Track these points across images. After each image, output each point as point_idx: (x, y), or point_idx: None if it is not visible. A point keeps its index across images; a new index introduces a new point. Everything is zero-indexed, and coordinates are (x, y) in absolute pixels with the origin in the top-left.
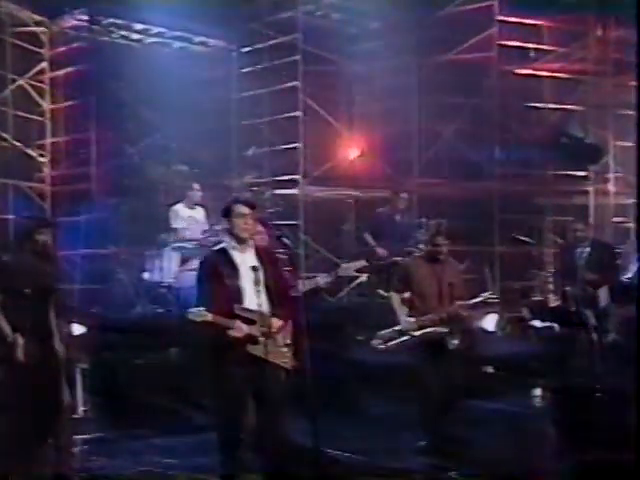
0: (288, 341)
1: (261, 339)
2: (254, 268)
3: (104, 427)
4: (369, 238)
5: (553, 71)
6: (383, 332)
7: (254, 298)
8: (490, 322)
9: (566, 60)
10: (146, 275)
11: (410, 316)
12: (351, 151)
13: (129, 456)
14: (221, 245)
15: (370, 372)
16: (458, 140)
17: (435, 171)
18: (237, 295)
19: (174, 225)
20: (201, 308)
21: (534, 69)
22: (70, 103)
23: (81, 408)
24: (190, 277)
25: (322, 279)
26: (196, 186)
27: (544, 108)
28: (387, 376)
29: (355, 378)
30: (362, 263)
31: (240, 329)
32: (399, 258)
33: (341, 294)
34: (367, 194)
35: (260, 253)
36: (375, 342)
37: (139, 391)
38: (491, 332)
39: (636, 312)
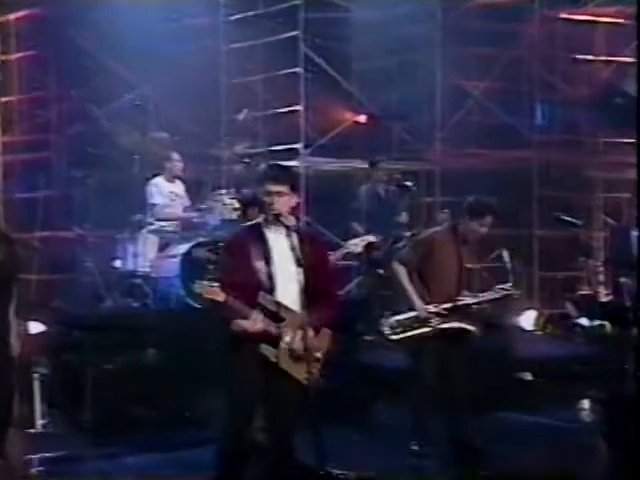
0: (319, 355)
1: (284, 343)
2: (294, 253)
3: (67, 444)
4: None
5: (607, 17)
6: (393, 319)
7: (287, 292)
8: (527, 319)
9: (623, 3)
10: (118, 263)
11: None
12: (362, 115)
13: (97, 478)
14: (255, 220)
15: (383, 376)
16: (490, 100)
17: (462, 138)
18: (265, 282)
19: (154, 201)
20: (209, 282)
21: (583, 14)
22: (24, 54)
23: (39, 421)
24: (171, 265)
25: None
26: (175, 156)
27: (595, 61)
28: (402, 380)
29: (365, 384)
30: (369, 238)
31: (256, 322)
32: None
33: (347, 287)
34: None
35: (304, 240)
36: (385, 329)
37: (109, 401)
38: (529, 331)
39: None
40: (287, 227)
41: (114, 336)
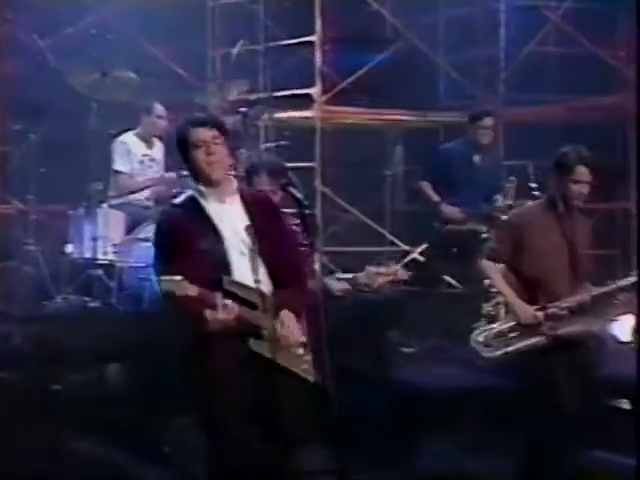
0: (303, 339)
1: (266, 332)
2: (246, 224)
3: None
4: (428, 190)
5: None
6: (483, 330)
7: (247, 272)
8: (624, 328)
9: None
10: (70, 248)
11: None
12: (397, 49)
13: None
14: (187, 194)
15: (428, 401)
16: (571, 28)
17: (532, 82)
18: (220, 265)
19: (118, 167)
20: (177, 277)
21: None
22: None
23: None
24: (142, 251)
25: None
26: (159, 108)
27: None
28: (457, 407)
29: (403, 410)
30: (397, 270)
31: (229, 309)
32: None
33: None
34: (424, 119)
35: (250, 203)
36: (478, 344)
37: (56, 433)
38: (626, 343)
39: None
40: (230, 191)
41: (65, 346)
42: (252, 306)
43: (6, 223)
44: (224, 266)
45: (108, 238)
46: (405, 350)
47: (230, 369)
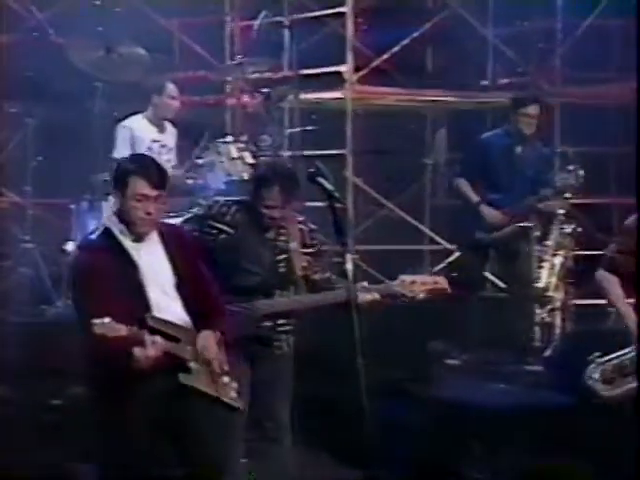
0: (226, 367)
1: (193, 364)
2: (166, 260)
3: None
4: (466, 189)
5: None
6: (599, 364)
7: (167, 309)
8: None
9: None
10: (72, 246)
11: None
12: (439, 21)
13: None
14: (103, 227)
15: (474, 420)
16: None
17: (592, 58)
18: (141, 302)
19: (116, 155)
20: (106, 319)
21: None
22: None
23: None
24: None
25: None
26: (171, 88)
27: None
28: (506, 428)
29: (446, 430)
30: (437, 280)
31: (157, 345)
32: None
33: None
34: (469, 100)
35: (169, 240)
36: (595, 384)
37: (56, 453)
38: None
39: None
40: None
41: (67, 356)
42: (176, 341)
43: (0, 218)
44: (144, 304)
45: None
46: (449, 362)
47: (161, 404)
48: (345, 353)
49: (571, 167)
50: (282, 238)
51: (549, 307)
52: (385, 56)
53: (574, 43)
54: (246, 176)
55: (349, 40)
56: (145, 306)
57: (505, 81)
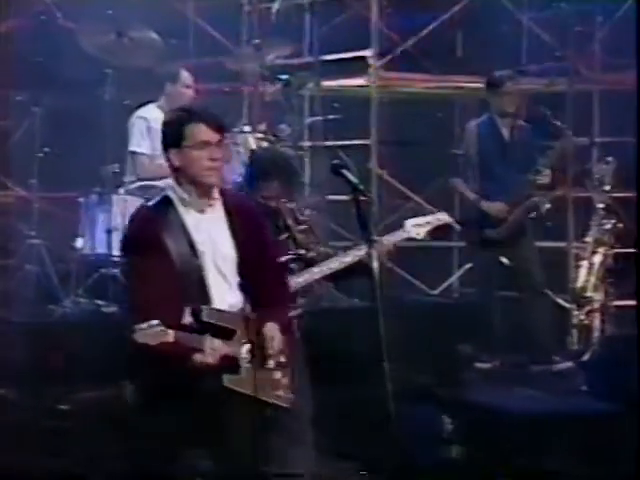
0: (282, 359)
1: (244, 361)
2: (229, 236)
3: None
4: (462, 187)
5: None
6: None
7: (225, 292)
8: None
9: None
10: (81, 242)
11: None
12: (469, 3)
13: None
14: (162, 196)
15: (504, 428)
16: None
17: (634, 42)
18: (197, 288)
19: (135, 148)
20: (154, 322)
21: None
22: None
23: None
24: None
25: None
26: (185, 75)
27: None
28: (539, 437)
29: (475, 438)
30: (441, 218)
31: (215, 351)
32: None
33: (446, 283)
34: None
35: (234, 212)
36: None
37: (65, 460)
38: None
39: None
40: (212, 199)
41: (74, 358)
42: (230, 334)
43: (5, 213)
44: (201, 290)
45: None
46: (479, 366)
47: (200, 410)
48: (369, 356)
49: (609, 158)
50: (280, 218)
51: (587, 308)
52: (412, 40)
53: (614, 26)
54: None
55: (374, 23)
56: (202, 292)
57: (540, 67)
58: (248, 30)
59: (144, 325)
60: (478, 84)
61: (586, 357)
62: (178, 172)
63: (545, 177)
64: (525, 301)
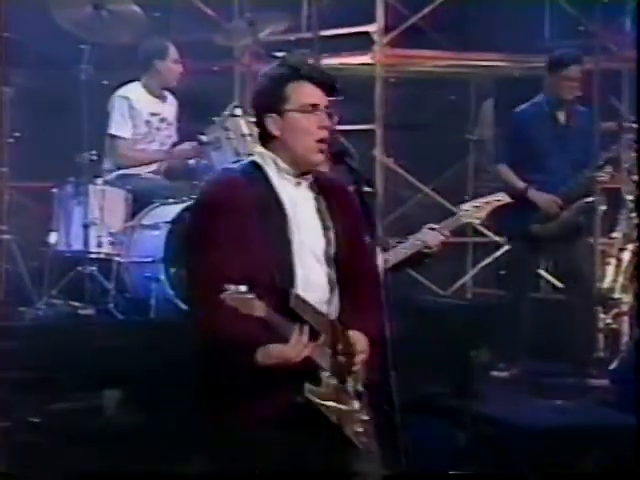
0: (358, 387)
1: (324, 375)
2: (321, 219)
3: None
4: (509, 174)
5: None
6: None
7: (317, 284)
8: None
9: None
10: (55, 237)
11: None
12: None
13: None
14: (250, 160)
15: (523, 441)
16: None
17: None
18: (285, 272)
19: (116, 131)
20: (242, 287)
21: None
22: None
23: None
24: (149, 241)
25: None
26: (172, 51)
27: None
28: (562, 451)
29: (491, 451)
30: (499, 198)
31: (301, 346)
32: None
33: (459, 283)
34: (522, 65)
35: (327, 192)
36: None
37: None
38: None
39: None
40: (309, 172)
41: (48, 366)
42: (314, 333)
43: None
44: (289, 274)
45: (104, 224)
46: (495, 374)
47: (274, 420)
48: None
49: None
50: None
51: (615, 311)
52: (421, 13)
53: None
54: None
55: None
56: (289, 277)
57: (564, 42)
58: (240, 2)
59: (232, 287)
60: (494, 61)
61: (614, 365)
62: (274, 142)
63: (607, 174)
64: (571, 306)
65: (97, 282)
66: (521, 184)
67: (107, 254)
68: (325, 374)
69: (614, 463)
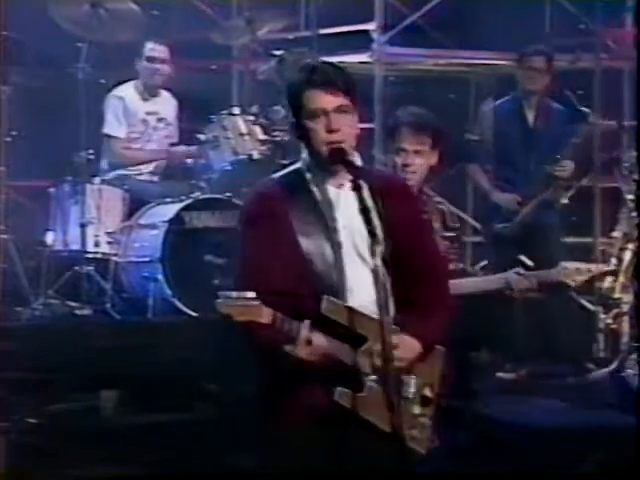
0: (428, 392)
1: (369, 380)
2: (368, 218)
3: None
4: (478, 174)
5: None
6: None
7: (361, 288)
8: None
9: None
10: (52, 237)
11: None
12: None
13: None
14: (293, 168)
15: (530, 444)
16: None
17: None
18: (324, 276)
19: (110, 131)
20: (249, 293)
21: None
22: None
23: None
24: (146, 241)
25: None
26: (150, 46)
27: None
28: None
29: (497, 455)
30: (605, 270)
31: (310, 345)
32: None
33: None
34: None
35: (378, 190)
36: None
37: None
38: None
39: None
40: (353, 172)
41: (45, 366)
42: (358, 341)
43: None
44: (332, 276)
45: (101, 224)
46: (500, 376)
47: (304, 427)
48: None
49: None
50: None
51: (615, 311)
52: (421, 11)
53: None
54: (256, 155)
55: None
56: (337, 282)
57: (565, 41)
58: (238, 0)
59: (233, 294)
60: (495, 60)
61: (614, 365)
62: (304, 141)
63: (564, 169)
64: (547, 305)
65: (94, 282)
66: (486, 185)
67: (104, 254)
68: (369, 378)
69: (614, 463)
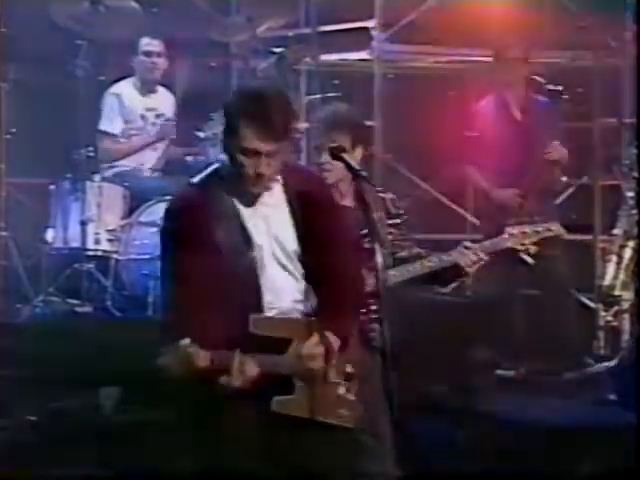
0: (349, 369)
1: (297, 381)
2: (291, 221)
3: None
4: (474, 174)
5: None
6: None
7: (285, 289)
8: None
9: None
10: (52, 234)
11: None
12: None
13: None
14: (211, 169)
15: (530, 443)
16: None
17: None
18: (249, 287)
19: (104, 127)
20: (185, 340)
21: None
22: None
23: None
24: (147, 238)
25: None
26: (147, 42)
27: None
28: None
29: (496, 454)
30: (551, 228)
31: (246, 373)
32: None
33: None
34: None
35: (295, 191)
36: None
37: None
38: None
39: None
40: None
41: (45, 363)
42: (285, 345)
43: None
44: (254, 286)
45: (101, 221)
46: (499, 373)
47: (244, 437)
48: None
49: None
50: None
51: (615, 309)
52: (422, 9)
53: None
54: None
55: None
56: (255, 289)
57: (564, 38)
58: None
59: (183, 342)
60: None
61: (614, 362)
62: (229, 160)
63: (553, 151)
64: (548, 302)
65: (94, 279)
66: (485, 184)
67: (105, 251)
68: (297, 381)
69: (614, 463)
